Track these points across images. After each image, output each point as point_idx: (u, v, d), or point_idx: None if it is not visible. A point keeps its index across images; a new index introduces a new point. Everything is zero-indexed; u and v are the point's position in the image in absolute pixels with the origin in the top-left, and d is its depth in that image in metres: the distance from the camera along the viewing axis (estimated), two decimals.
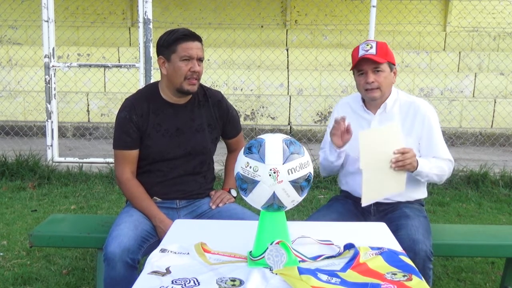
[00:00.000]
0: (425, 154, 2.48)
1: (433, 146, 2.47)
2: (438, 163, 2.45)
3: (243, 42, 8.53)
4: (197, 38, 2.38)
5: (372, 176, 2.28)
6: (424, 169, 2.38)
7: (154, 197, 2.47)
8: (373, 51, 2.40)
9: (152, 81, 5.34)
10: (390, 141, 2.29)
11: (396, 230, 2.24)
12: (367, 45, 2.43)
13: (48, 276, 3.07)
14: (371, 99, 2.49)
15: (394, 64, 2.48)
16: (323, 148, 2.72)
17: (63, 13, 8.96)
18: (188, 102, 2.47)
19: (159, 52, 2.41)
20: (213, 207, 2.51)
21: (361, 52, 2.43)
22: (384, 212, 2.54)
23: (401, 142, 2.31)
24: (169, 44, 2.35)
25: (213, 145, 2.56)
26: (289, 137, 1.62)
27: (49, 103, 5.52)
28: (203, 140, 2.49)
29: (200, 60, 2.38)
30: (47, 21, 5.40)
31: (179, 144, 2.44)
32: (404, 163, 2.28)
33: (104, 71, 8.03)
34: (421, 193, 2.59)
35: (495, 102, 7.75)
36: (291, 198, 1.58)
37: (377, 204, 2.55)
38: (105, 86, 8.14)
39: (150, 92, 2.48)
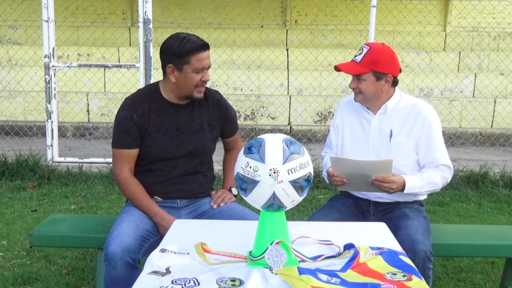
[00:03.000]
0: (422, 157, 2.48)
1: (431, 149, 2.46)
2: (431, 179, 2.42)
3: (243, 42, 8.52)
4: (208, 47, 2.37)
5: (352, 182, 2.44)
6: (413, 191, 2.41)
7: (155, 197, 2.47)
8: (358, 58, 2.41)
9: (152, 81, 5.34)
10: (380, 171, 2.33)
11: (395, 230, 2.25)
12: (360, 49, 2.43)
13: (48, 276, 3.07)
14: (355, 101, 2.52)
15: (385, 73, 2.41)
16: (327, 152, 2.73)
17: (63, 13, 8.95)
18: (189, 103, 2.48)
19: (168, 60, 2.36)
20: (215, 206, 2.51)
21: (353, 56, 2.45)
22: (383, 212, 2.54)
23: (389, 173, 2.34)
24: (183, 54, 2.31)
25: (213, 145, 2.57)
26: (289, 137, 1.62)
27: (49, 103, 5.52)
28: (204, 140, 2.50)
29: (209, 68, 2.41)
30: (47, 21, 5.40)
31: (180, 143, 2.44)
32: (379, 186, 2.34)
33: (104, 71, 8.03)
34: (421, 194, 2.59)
35: (495, 102, 7.75)
36: (291, 198, 1.58)
37: (376, 204, 2.56)
38: (105, 86, 8.14)
39: (151, 92, 2.48)
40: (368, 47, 2.41)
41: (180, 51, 2.31)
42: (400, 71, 2.51)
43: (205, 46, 2.35)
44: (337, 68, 2.46)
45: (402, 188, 2.37)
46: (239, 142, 2.73)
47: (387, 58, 2.42)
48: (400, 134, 2.48)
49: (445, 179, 2.47)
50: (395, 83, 2.49)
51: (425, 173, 2.44)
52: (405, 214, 2.43)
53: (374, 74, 2.41)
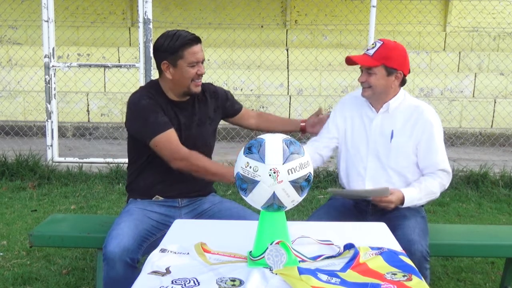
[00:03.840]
0: (422, 160, 2.48)
1: (431, 152, 2.46)
2: (430, 189, 2.43)
3: (243, 42, 8.52)
4: (199, 40, 2.39)
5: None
6: (412, 204, 2.42)
7: (156, 196, 2.47)
8: (371, 52, 2.42)
9: None
10: (378, 195, 2.38)
11: (393, 230, 2.23)
12: (373, 44, 2.45)
13: (48, 276, 3.07)
14: (363, 96, 2.52)
15: (396, 69, 2.43)
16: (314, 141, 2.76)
17: (63, 13, 8.95)
18: (189, 99, 2.51)
19: (162, 57, 2.38)
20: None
21: (365, 50, 2.47)
22: (381, 212, 2.54)
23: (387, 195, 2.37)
24: (175, 49, 2.34)
25: (213, 138, 2.61)
26: (289, 137, 1.62)
27: (49, 103, 5.51)
28: (205, 134, 2.53)
29: (203, 61, 2.42)
30: (47, 21, 5.40)
31: (183, 139, 2.44)
32: (378, 204, 2.40)
33: (104, 71, 8.03)
34: None
35: (495, 102, 7.75)
36: (291, 198, 1.58)
37: (374, 204, 2.55)
38: (105, 86, 8.13)
39: (154, 89, 2.48)
40: (382, 42, 2.43)
41: (172, 47, 2.34)
42: (409, 71, 2.52)
43: (196, 40, 2.37)
44: (348, 60, 2.47)
45: (401, 203, 2.38)
46: (251, 111, 2.86)
47: (399, 55, 2.44)
48: (401, 135, 2.48)
49: (443, 186, 2.47)
50: (403, 82, 2.50)
51: (423, 183, 2.44)
52: (403, 214, 2.44)
53: (385, 68, 2.42)
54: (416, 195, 2.40)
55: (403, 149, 2.47)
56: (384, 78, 2.43)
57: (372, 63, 2.41)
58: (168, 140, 2.35)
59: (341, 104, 2.70)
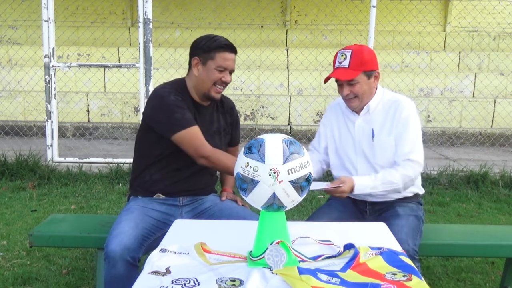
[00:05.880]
0: (395, 151, 2.48)
1: (401, 142, 2.45)
2: (387, 178, 2.40)
3: (243, 42, 8.52)
4: (235, 51, 2.45)
5: None
6: (364, 191, 2.41)
7: (158, 194, 2.48)
8: (346, 63, 2.40)
9: (152, 81, 5.35)
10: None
11: None
12: (342, 55, 2.43)
13: (48, 276, 3.07)
14: (350, 108, 2.53)
15: (373, 70, 2.45)
16: (311, 150, 2.76)
17: (63, 13, 8.96)
18: (210, 105, 2.55)
19: (195, 53, 2.45)
20: (223, 199, 2.61)
21: (336, 64, 2.45)
22: (379, 211, 2.55)
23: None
24: (210, 49, 2.40)
25: (225, 149, 2.62)
26: (289, 137, 1.62)
27: (49, 103, 5.52)
28: (219, 144, 2.55)
29: (232, 72, 2.47)
30: (47, 21, 5.40)
31: None
32: (333, 195, 2.44)
33: (104, 71, 8.03)
34: (415, 188, 2.58)
35: (495, 102, 7.76)
36: (291, 198, 1.58)
37: (372, 204, 2.57)
38: (105, 86, 8.14)
39: (180, 87, 2.50)
40: (350, 50, 2.42)
41: (208, 46, 2.41)
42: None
43: (232, 48, 2.44)
44: (327, 80, 2.48)
45: (352, 190, 2.38)
46: (238, 152, 2.79)
47: (370, 55, 2.45)
48: (381, 132, 2.50)
49: (407, 177, 2.43)
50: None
51: (380, 172, 2.44)
52: (397, 213, 2.44)
53: (365, 74, 2.43)
54: (369, 183, 2.39)
55: (386, 145, 2.48)
56: (366, 83, 2.45)
57: (353, 74, 2.40)
58: (193, 137, 2.37)
59: (324, 117, 2.72)
